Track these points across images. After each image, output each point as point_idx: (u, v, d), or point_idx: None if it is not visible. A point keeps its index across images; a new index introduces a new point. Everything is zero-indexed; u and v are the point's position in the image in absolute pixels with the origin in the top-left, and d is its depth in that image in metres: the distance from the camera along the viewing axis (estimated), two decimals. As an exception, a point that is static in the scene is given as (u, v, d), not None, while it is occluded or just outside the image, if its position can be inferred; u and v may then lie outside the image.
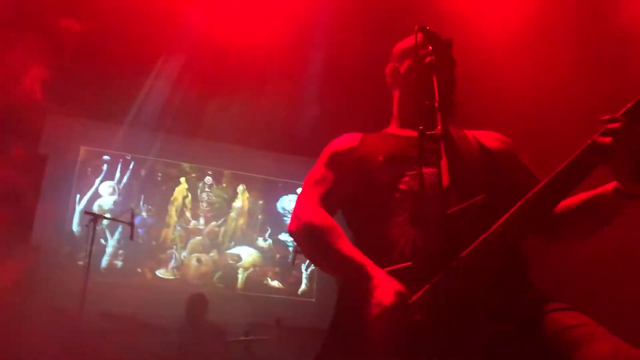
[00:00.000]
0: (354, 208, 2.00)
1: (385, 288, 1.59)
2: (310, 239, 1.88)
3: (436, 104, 1.62)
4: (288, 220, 6.67)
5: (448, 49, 1.94)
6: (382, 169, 1.90)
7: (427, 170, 1.73)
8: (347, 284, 1.82)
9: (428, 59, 1.77)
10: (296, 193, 7.10)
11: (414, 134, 1.71)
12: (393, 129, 2.14)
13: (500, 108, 4.82)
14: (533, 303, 1.67)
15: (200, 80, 5.92)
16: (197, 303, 5.54)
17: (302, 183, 2.06)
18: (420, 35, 1.88)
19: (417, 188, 1.77)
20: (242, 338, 5.08)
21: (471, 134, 2.09)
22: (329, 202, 1.95)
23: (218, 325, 5.35)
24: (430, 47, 1.81)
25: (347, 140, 2.09)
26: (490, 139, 2.08)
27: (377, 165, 1.92)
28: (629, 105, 1.53)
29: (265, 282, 6.78)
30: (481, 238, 1.60)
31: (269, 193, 7.06)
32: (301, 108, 6.16)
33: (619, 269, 4.42)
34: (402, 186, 1.84)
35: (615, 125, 1.52)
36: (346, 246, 1.76)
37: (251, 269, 6.77)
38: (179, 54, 5.83)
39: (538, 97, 4.89)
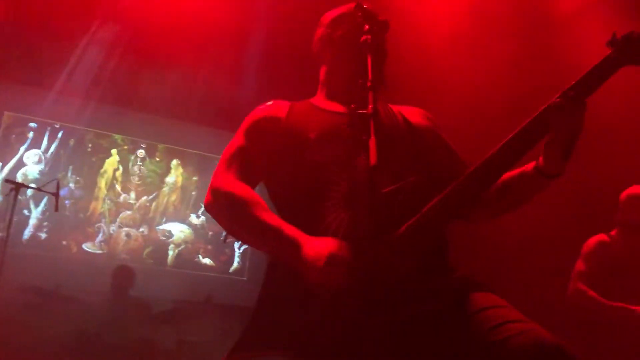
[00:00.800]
0: (281, 185, 1.94)
1: (319, 248, 1.58)
2: (230, 212, 1.81)
3: (369, 83, 1.61)
4: None
5: (384, 30, 1.93)
6: (313, 148, 1.84)
7: (359, 151, 1.67)
8: (275, 256, 1.79)
9: (364, 37, 1.77)
10: None
11: (342, 109, 1.80)
12: (321, 101, 2.08)
13: (435, 94, 4.82)
14: (455, 285, 1.68)
15: (137, 50, 5.74)
16: (123, 275, 5.41)
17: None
18: (358, 13, 1.87)
19: (349, 171, 1.72)
20: (169, 315, 4.97)
21: (397, 109, 2.08)
22: (248, 174, 1.89)
23: (145, 301, 5.22)
24: (367, 26, 1.80)
25: (273, 109, 2.01)
26: (415, 114, 2.08)
27: (309, 142, 1.86)
28: (574, 82, 1.60)
29: (196, 259, 6.67)
30: (417, 216, 1.61)
31: (204, 169, 6.88)
32: (241, 83, 6.00)
33: (528, 250, 4.71)
34: (334, 168, 1.78)
35: (559, 99, 1.58)
36: (270, 217, 1.72)
37: (183, 246, 6.64)
38: (114, 22, 5.65)
39: (475, 85, 5.02)
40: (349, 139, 1.60)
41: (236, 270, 6.79)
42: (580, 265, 3.70)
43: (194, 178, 6.91)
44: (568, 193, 4.24)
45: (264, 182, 1.98)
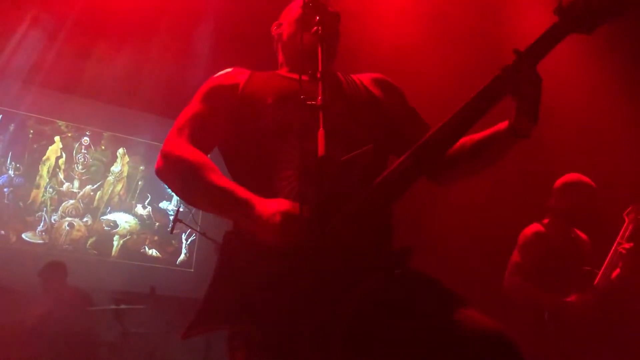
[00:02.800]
0: (236, 152, 1.92)
1: (273, 206, 1.58)
2: (181, 176, 1.78)
3: (318, 75, 1.62)
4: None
5: (334, 21, 1.98)
6: (269, 113, 1.84)
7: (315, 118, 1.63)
8: (228, 217, 1.78)
9: (314, 28, 1.78)
10: None
11: (304, 77, 1.70)
12: (283, 72, 2.09)
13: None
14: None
15: (81, 34, 5.55)
16: (52, 271, 5.12)
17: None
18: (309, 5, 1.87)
19: (304, 139, 1.66)
20: (113, 307, 4.83)
21: (358, 78, 2.10)
22: (201, 139, 1.86)
23: (86, 293, 5.05)
24: (318, 18, 1.80)
25: (232, 76, 1.99)
26: (375, 80, 2.11)
27: (265, 108, 1.86)
28: (532, 42, 1.65)
29: (142, 250, 6.53)
30: (376, 182, 1.62)
31: (151, 158, 6.73)
32: (190, 71, 5.77)
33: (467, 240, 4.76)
34: (289, 135, 1.78)
35: (517, 60, 1.63)
36: (221, 179, 1.71)
37: (128, 237, 6.50)
38: (59, 4, 5.40)
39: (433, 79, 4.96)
40: (304, 106, 1.57)
41: (183, 262, 6.68)
42: (516, 256, 3.70)
43: (141, 167, 6.77)
44: (504, 181, 4.42)
45: (219, 149, 1.96)
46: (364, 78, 2.11)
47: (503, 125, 1.75)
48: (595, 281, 3.55)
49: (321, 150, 1.43)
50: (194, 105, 1.92)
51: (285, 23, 2.14)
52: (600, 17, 1.62)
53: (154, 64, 5.88)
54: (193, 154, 1.77)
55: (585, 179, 3.70)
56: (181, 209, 5.16)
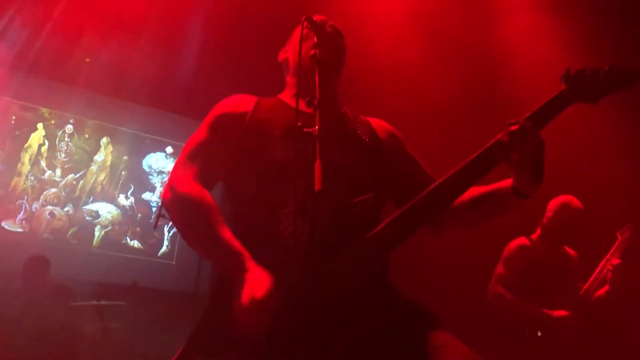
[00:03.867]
0: (240, 185, 1.89)
1: (258, 282, 1.55)
2: (183, 216, 1.78)
3: (316, 102, 1.61)
4: (153, 179, 6.60)
5: (336, 40, 1.97)
6: (275, 147, 1.82)
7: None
8: (218, 269, 1.78)
9: (312, 52, 1.81)
10: (165, 151, 6.88)
11: (310, 109, 1.69)
12: (286, 97, 2.06)
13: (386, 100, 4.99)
14: (400, 305, 1.73)
15: (68, 21, 5.47)
16: (34, 266, 5.00)
17: (183, 146, 1.91)
18: (306, 26, 1.87)
19: (309, 175, 1.63)
20: (94, 302, 4.78)
21: (366, 119, 2.10)
22: (209, 172, 1.84)
23: (67, 286, 4.99)
24: (316, 39, 1.83)
25: (239, 103, 1.96)
26: (383, 126, 2.10)
27: (272, 141, 1.83)
28: (532, 111, 1.67)
29: (124, 241, 6.46)
30: (374, 232, 1.63)
31: (135, 149, 6.68)
32: (177, 62, 5.91)
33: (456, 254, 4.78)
34: (294, 170, 1.75)
35: (517, 127, 1.63)
36: (223, 231, 1.68)
37: (110, 227, 6.43)
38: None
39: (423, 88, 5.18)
40: (301, 133, 1.57)
41: (165, 254, 6.63)
42: (499, 268, 3.82)
43: (124, 157, 6.68)
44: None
45: (222, 181, 1.95)
46: (373, 121, 2.10)
47: (506, 183, 1.75)
48: (580, 293, 3.69)
49: (317, 183, 1.42)
50: (202, 134, 1.90)
51: (290, 49, 2.12)
52: (607, 88, 1.66)
53: (141, 53, 5.82)
54: (198, 194, 1.75)
55: (575, 201, 3.82)
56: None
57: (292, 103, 1.96)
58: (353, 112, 2.09)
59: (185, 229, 1.81)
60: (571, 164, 4.63)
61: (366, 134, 1.99)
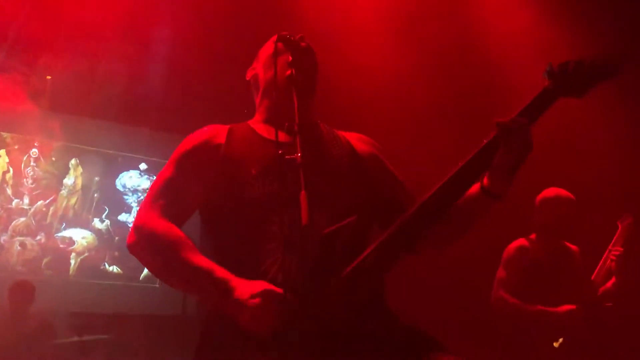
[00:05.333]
0: (217, 222, 1.82)
1: (252, 288, 1.51)
2: (154, 254, 1.71)
3: (296, 127, 1.58)
4: (129, 198, 6.43)
5: (309, 56, 1.90)
6: (254, 185, 1.75)
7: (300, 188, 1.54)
8: (205, 299, 1.75)
9: (288, 71, 1.75)
10: (138, 169, 6.61)
11: (285, 137, 1.69)
12: (260, 125, 1.96)
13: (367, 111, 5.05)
14: (399, 333, 1.68)
15: (26, 37, 5.17)
16: (20, 290, 4.83)
17: (150, 184, 1.85)
18: (280, 44, 1.82)
19: (289, 210, 1.57)
20: (76, 339, 4.52)
21: (342, 135, 2.03)
22: (178, 209, 1.78)
23: (47, 320, 4.74)
24: (291, 57, 1.78)
25: (210, 136, 1.88)
26: (361, 141, 2.03)
27: (249, 179, 1.76)
28: (518, 111, 1.65)
29: (102, 267, 6.21)
30: (359, 259, 1.58)
31: (106, 168, 6.43)
32: (146, 75, 5.71)
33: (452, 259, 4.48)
34: (275, 206, 1.68)
35: (506, 120, 1.62)
36: (198, 259, 1.63)
37: (86, 254, 6.16)
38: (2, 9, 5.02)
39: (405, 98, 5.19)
40: (282, 161, 1.52)
41: (147, 277, 6.37)
42: (501, 272, 3.76)
43: (96, 178, 6.41)
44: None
45: (199, 213, 1.88)
46: (350, 137, 2.03)
47: (475, 187, 1.71)
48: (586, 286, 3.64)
49: (304, 216, 1.38)
50: (169, 171, 1.83)
51: (259, 67, 2.04)
52: (592, 80, 1.64)
53: (108, 69, 5.64)
54: (168, 230, 1.69)
55: (563, 192, 3.79)
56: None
57: (265, 131, 1.89)
58: (327, 125, 2.03)
59: (159, 269, 1.76)
60: (557, 156, 4.60)
61: (345, 154, 1.93)
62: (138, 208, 1.90)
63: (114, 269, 6.27)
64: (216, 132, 1.88)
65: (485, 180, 1.68)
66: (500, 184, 1.66)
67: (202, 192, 1.80)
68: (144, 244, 1.71)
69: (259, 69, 2.03)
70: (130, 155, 6.61)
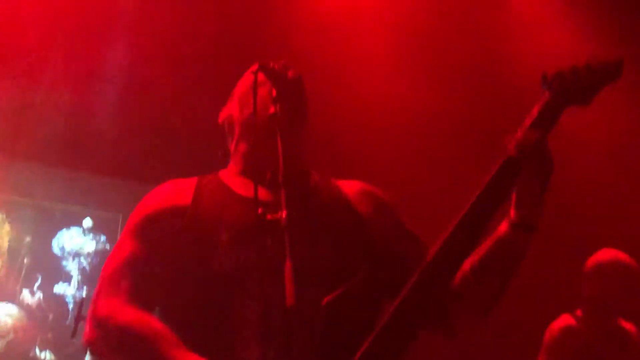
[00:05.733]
0: (180, 307, 1.66)
1: None
2: (128, 356, 1.58)
3: (280, 178, 1.45)
4: (68, 265, 6.69)
5: (297, 87, 1.78)
6: (223, 254, 1.62)
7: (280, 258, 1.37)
8: None
9: (272, 109, 1.66)
10: (81, 226, 5.91)
11: (264, 194, 1.56)
12: (233, 178, 1.84)
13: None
14: None
15: None
16: None
17: (102, 267, 1.71)
18: (260, 75, 1.69)
19: (267, 286, 1.47)
20: None
21: (339, 186, 1.91)
22: (145, 294, 1.63)
23: None
24: (275, 91, 1.66)
25: (172, 195, 1.77)
26: (364, 193, 1.91)
27: (218, 246, 1.64)
28: (532, 117, 1.65)
29: (32, 354, 5.41)
30: (369, 341, 1.49)
31: (40, 225, 5.69)
32: (93, 108, 5.41)
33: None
34: (254, 283, 1.54)
35: (519, 135, 1.61)
36: (185, 355, 1.48)
37: (11, 336, 5.39)
38: None
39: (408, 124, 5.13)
40: (263, 222, 1.41)
41: (90, 367, 5.52)
42: (542, 358, 3.60)
43: (27, 239, 5.68)
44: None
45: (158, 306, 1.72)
46: (348, 188, 1.91)
47: (503, 227, 1.65)
48: None
49: (289, 295, 1.25)
50: (128, 245, 1.69)
51: (234, 106, 1.93)
52: (594, 84, 1.63)
53: (46, 98, 5.29)
54: (141, 321, 1.55)
55: (622, 255, 3.59)
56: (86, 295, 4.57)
57: (241, 185, 1.77)
58: (321, 175, 1.91)
59: None
60: (607, 208, 4.61)
61: (343, 211, 1.82)
62: (93, 294, 1.49)
63: (47, 355, 5.51)
64: (180, 190, 1.80)
65: (512, 213, 1.62)
66: (530, 211, 1.62)
67: (167, 268, 1.68)
68: (113, 342, 1.59)
69: (233, 109, 1.95)
70: (71, 207, 5.96)
